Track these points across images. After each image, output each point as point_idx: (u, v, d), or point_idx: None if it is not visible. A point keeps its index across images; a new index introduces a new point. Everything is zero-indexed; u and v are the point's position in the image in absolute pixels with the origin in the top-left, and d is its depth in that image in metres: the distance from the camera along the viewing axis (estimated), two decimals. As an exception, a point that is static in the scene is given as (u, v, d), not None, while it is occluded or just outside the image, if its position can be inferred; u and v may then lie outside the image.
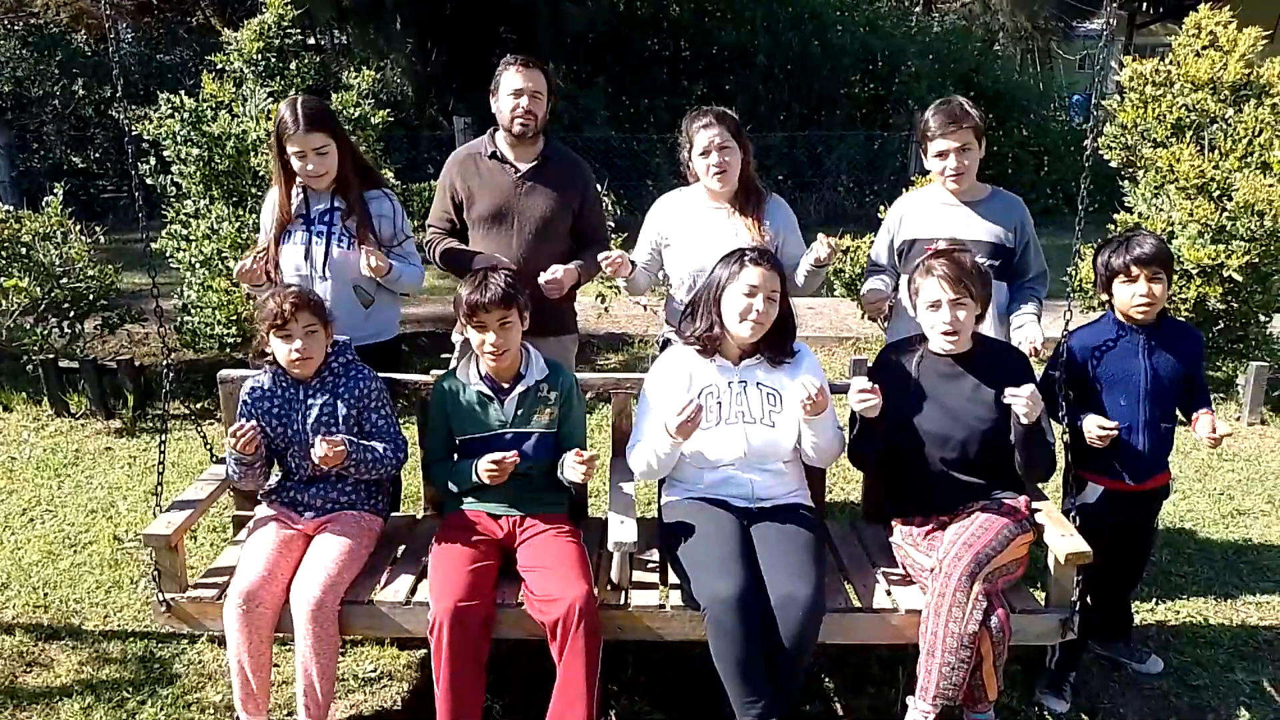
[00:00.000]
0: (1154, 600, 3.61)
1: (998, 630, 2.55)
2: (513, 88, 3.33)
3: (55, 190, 5.77)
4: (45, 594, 3.68)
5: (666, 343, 3.51)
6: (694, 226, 3.31)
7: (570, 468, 2.77)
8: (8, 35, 12.81)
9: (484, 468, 2.74)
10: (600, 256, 3.26)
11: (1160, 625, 3.48)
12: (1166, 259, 2.87)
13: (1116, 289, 2.92)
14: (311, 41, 14.29)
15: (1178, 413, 3.00)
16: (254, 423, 2.75)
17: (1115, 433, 2.83)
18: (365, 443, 2.84)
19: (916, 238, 3.22)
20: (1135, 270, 2.85)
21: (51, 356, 5.54)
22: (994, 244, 3.15)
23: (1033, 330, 3.08)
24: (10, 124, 11.83)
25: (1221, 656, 3.29)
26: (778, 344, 2.86)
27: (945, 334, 2.77)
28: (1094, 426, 2.84)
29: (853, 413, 2.83)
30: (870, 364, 3.06)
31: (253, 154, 5.41)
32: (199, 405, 5.49)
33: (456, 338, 3.66)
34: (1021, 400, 2.65)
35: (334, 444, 2.68)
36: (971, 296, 2.75)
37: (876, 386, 2.70)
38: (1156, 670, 3.18)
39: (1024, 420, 2.69)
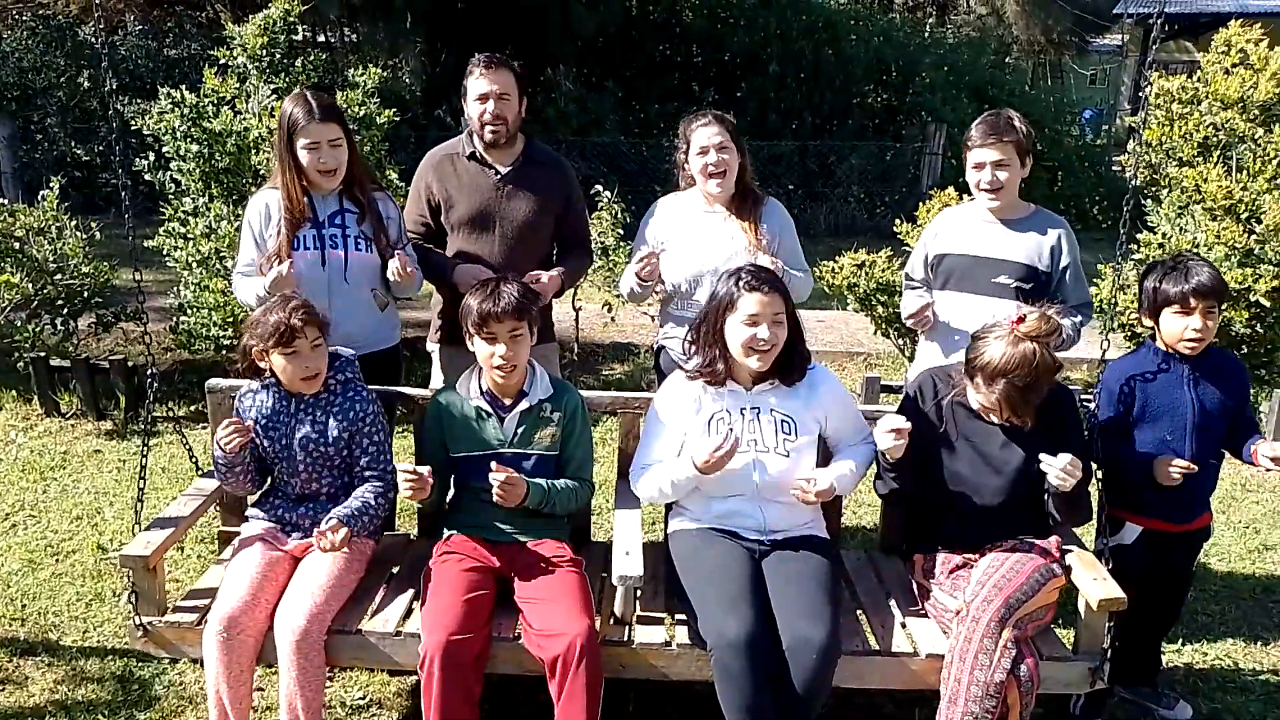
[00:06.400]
0: (1180, 641, 3.44)
1: (1026, 679, 2.40)
2: (478, 92, 3.17)
3: (52, 184, 5.63)
4: (23, 605, 3.53)
5: (660, 350, 3.38)
6: (690, 230, 3.19)
7: None
8: (14, 26, 12.68)
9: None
10: (636, 262, 3.13)
11: (1188, 668, 3.31)
12: (1224, 291, 2.71)
13: (1166, 319, 2.74)
14: (321, 39, 14.16)
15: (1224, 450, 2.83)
16: (248, 421, 2.60)
17: (1192, 470, 2.63)
18: (357, 506, 2.66)
19: (947, 253, 3.12)
20: (1193, 303, 2.66)
21: (43, 354, 5.40)
22: (1026, 266, 3.00)
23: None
24: (14, 115, 11.69)
25: (1253, 705, 3.12)
26: (788, 366, 2.70)
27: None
28: (1168, 469, 2.64)
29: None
30: (905, 388, 2.88)
31: (254, 152, 5.26)
32: (193, 408, 5.35)
33: (432, 346, 3.50)
34: (1055, 471, 2.48)
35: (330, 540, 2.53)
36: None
37: (907, 426, 2.52)
38: (1185, 717, 3.01)
39: (1061, 489, 2.52)
